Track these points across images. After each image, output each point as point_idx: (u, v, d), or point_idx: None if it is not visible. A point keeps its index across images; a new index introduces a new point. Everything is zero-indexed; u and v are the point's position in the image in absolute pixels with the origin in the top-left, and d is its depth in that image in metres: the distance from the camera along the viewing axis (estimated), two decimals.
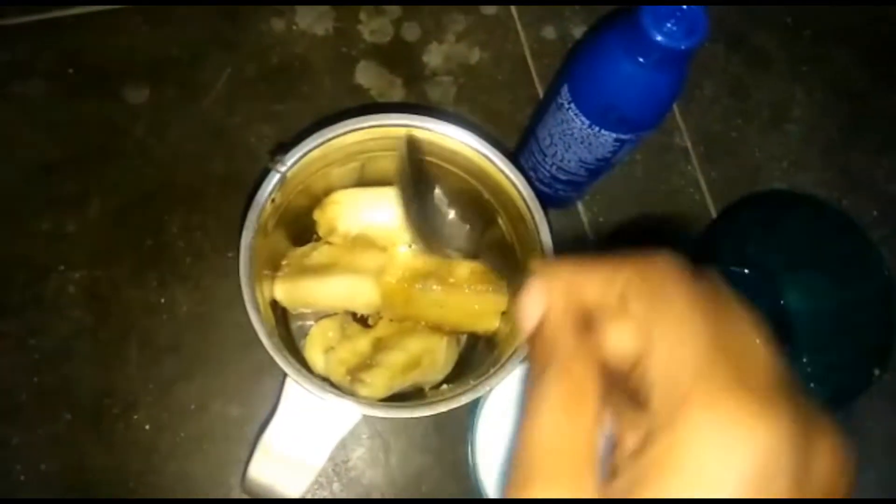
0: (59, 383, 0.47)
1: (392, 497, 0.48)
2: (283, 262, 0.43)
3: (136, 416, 0.47)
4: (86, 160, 0.51)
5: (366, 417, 0.49)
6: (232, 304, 0.49)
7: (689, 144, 0.58)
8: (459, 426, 0.48)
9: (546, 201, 0.51)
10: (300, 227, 0.45)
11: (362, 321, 0.45)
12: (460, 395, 0.35)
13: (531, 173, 0.50)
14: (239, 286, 0.36)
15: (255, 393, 0.48)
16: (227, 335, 0.49)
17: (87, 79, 0.52)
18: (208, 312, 0.49)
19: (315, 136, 0.37)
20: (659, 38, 0.36)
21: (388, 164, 0.42)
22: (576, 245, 0.54)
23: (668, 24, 0.36)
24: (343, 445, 0.48)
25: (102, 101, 0.52)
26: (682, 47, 0.37)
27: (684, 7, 0.36)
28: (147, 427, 0.47)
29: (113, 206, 0.50)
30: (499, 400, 0.48)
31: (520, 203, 0.40)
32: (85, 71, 0.52)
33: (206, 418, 0.47)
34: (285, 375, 0.35)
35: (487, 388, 0.35)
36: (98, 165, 0.51)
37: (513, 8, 0.58)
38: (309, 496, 0.47)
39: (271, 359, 0.36)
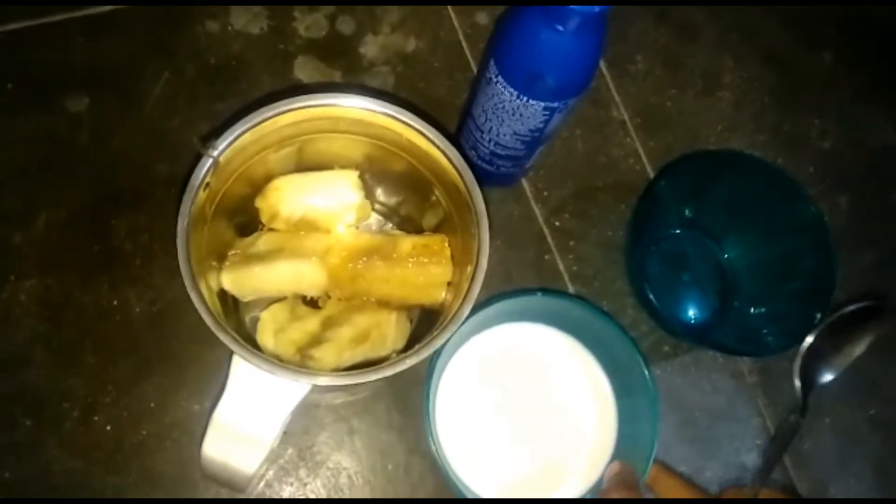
0: (17, 391, 0.47)
1: (359, 475, 0.49)
2: (230, 253, 0.44)
3: (96, 418, 0.47)
4: (30, 172, 0.51)
5: (328, 405, 0.50)
6: (185, 301, 0.48)
7: (626, 117, 0.60)
8: (420, 401, 0.49)
9: (490, 179, 0.52)
10: (245, 218, 0.45)
11: (312, 304, 0.46)
12: (405, 358, 0.36)
13: (471, 152, 0.51)
14: None
15: (215, 388, 0.47)
16: (182, 332, 0.49)
17: (27, 92, 0.53)
18: (162, 312, 0.50)
19: (244, 119, 0.38)
20: (572, 3, 0.38)
21: (325, 146, 0.43)
22: (522, 220, 0.56)
23: None
24: (306, 430, 0.49)
25: (43, 112, 0.52)
26: (596, 10, 0.38)
27: None
28: (108, 428, 0.47)
29: (60, 215, 0.51)
30: (455, 371, 0.49)
31: (451, 172, 0.41)
32: (24, 85, 0.53)
33: (167, 416, 0.48)
34: (232, 352, 0.36)
35: (429, 351, 0.36)
36: (43, 176, 0.51)
37: None
38: (276, 484, 0.48)
39: (228, 352, 0.37)
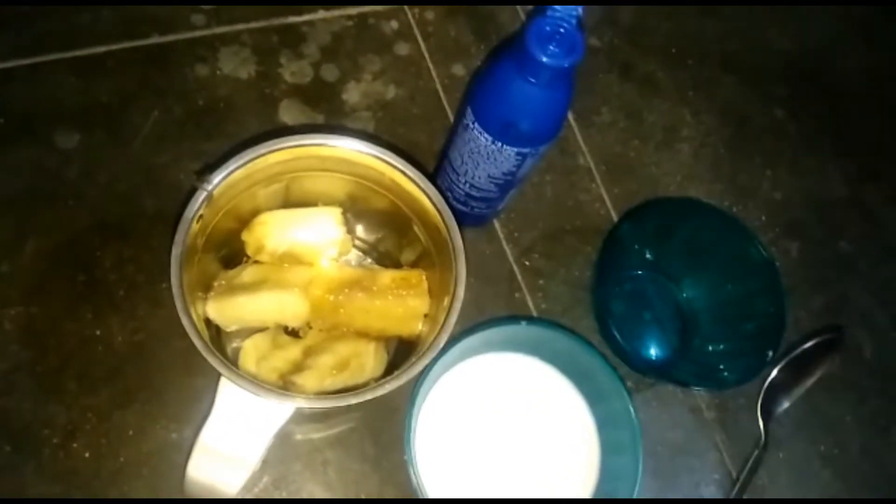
0: None
1: None
2: (215, 283, 0.46)
3: (75, 445, 0.48)
4: (19, 204, 0.53)
5: (303, 435, 0.51)
6: (167, 332, 0.51)
7: (592, 165, 0.63)
8: (394, 433, 0.51)
9: (464, 220, 0.55)
10: (231, 251, 0.47)
11: (293, 334, 0.47)
12: (384, 384, 0.38)
13: (448, 193, 0.54)
14: (173, 314, 0.38)
15: (194, 416, 0.49)
16: (163, 362, 0.50)
17: (18, 127, 0.55)
18: (144, 341, 0.51)
19: (238, 156, 0.41)
20: (545, 59, 0.41)
21: (313, 183, 0.46)
22: (493, 259, 0.59)
23: (551, 47, 0.41)
24: (282, 461, 0.50)
25: (33, 147, 0.54)
26: (566, 65, 0.41)
27: (562, 30, 0.41)
28: (87, 455, 0.48)
29: (46, 245, 0.52)
30: (437, 400, 0.50)
31: (432, 211, 0.43)
32: (15, 120, 0.55)
33: (146, 443, 0.49)
34: (219, 376, 0.37)
35: (408, 377, 0.38)
36: (31, 208, 0.53)
37: (423, 48, 0.63)
38: None
39: (207, 382, 0.38)
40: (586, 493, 0.50)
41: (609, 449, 0.51)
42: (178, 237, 0.38)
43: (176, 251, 0.38)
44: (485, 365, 0.52)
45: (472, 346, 0.49)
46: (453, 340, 0.41)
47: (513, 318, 0.53)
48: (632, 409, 0.48)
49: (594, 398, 0.52)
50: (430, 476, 0.48)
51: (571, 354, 0.51)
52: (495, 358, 0.52)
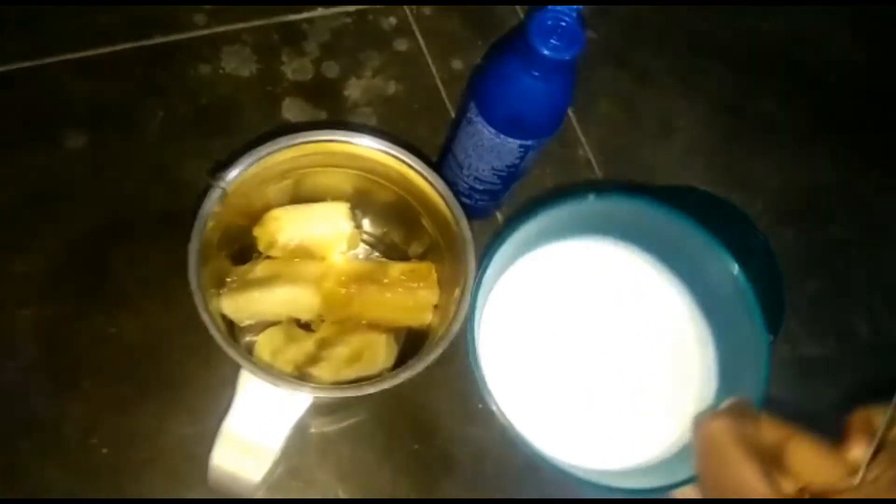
0: (15, 415, 0.48)
1: (347, 495, 0.51)
2: (228, 280, 0.47)
3: (93, 441, 0.48)
4: (30, 204, 0.53)
5: (317, 428, 0.52)
6: (180, 328, 0.52)
7: (590, 156, 0.65)
8: (405, 424, 0.52)
9: (468, 212, 0.56)
10: (241, 247, 0.48)
11: (306, 327, 0.48)
12: (400, 373, 0.39)
13: (452, 187, 0.55)
14: (185, 311, 0.39)
15: (210, 411, 0.50)
16: (178, 359, 0.51)
17: (26, 129, 0.55)
18: (158, 339, 0.52)
19: (251, 153, 0.41)
20: (546, 52, 0.42)
21: (321, 179, 0.47)
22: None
23: (552, 40, 0.42)
24: (296, 452, 0.51)
25: (42, 148, 0.55)
26: (567, 57, 0.43)
27: (563, 24, 0.42)
28: (105, 451, 0.48)
29: (58, 245, 0.53)
30: (499, 305, 0.39)
31: (440, 204, 0.44)
32: (23, 122, 0.55)
33: (163, 439, 0.49)
34: (237, 369, 0.38)
35: (422, 367, 0.39)
36: (42, 208, 0.53)
37: (422, 44, 0.64)
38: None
39: (224, 377, 0.39)
40: (692, 412, 0.38)
41: (728, 356, 0.38)
42: (195, 234, 0.39)
43: (193, 247, 0.39)
44: (553, 255, 0.40)
45: (532, 235, 0.37)
46: (506, 232, 0.32)
47: (579, 194, 0.37)
48: (755, 305, 0.36)
49: (704, 294, 0.40)
50: (503, 394, 0.35)
51: (667, 235, 0.39)
52: (567, 246, 0.40)
